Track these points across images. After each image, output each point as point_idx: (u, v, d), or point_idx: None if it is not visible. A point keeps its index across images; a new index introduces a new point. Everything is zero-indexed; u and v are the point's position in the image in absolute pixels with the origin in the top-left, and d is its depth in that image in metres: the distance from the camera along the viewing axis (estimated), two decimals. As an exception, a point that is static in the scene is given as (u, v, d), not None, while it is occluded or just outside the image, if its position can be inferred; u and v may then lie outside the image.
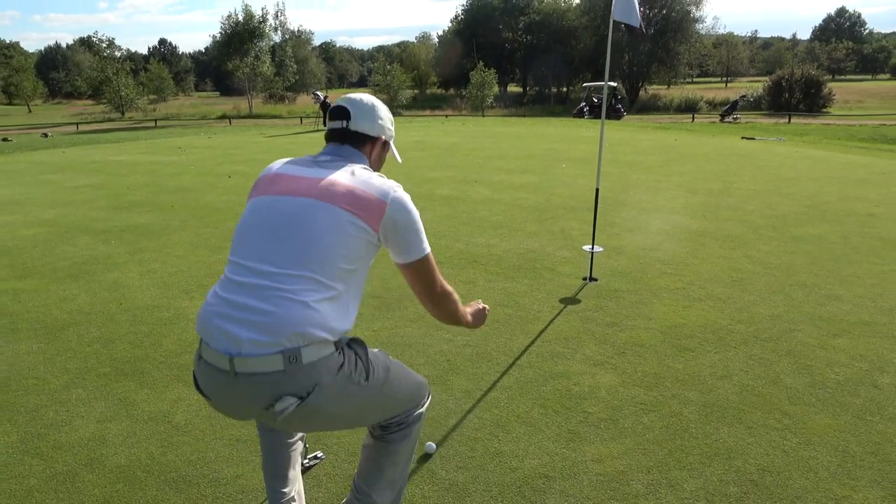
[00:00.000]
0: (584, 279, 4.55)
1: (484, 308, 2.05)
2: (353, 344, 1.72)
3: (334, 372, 1.58)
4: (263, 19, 46.86)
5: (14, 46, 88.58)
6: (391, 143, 1.97)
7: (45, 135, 27.29)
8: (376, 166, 1.91)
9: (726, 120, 28.87)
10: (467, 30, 59.91)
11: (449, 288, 1.84)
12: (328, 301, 1.57)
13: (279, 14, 49.07)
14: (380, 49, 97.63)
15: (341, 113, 1.85)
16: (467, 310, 1.98)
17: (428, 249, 1.78)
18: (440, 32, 73.76)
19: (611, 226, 6.04)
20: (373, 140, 1.88)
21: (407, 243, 1.72)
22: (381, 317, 3.92)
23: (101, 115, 46.60)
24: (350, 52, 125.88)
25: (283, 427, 1.67)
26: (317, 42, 64.68)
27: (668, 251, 5.23)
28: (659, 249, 5.28)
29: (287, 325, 1.50)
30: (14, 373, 3.27)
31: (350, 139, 1.85)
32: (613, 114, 29.62)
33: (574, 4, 59.87)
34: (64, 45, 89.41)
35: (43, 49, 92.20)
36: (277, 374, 1.49)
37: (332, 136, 1.86)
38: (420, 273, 1.77)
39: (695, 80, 67.57)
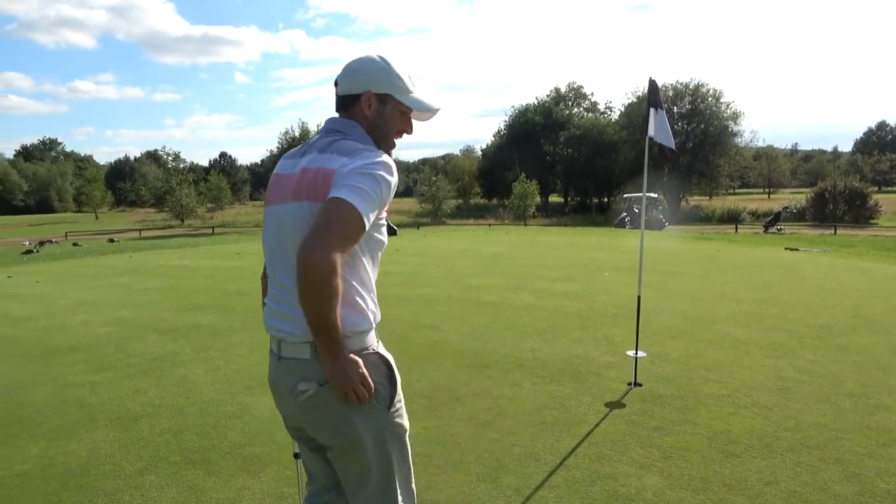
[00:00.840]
0: (629, 384, 4.65)
1: (362, 372, 1.64)
2: (391, 375, 1.76)
3: None
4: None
5: (88, 159, 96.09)
6: (399, 96, 1.77)
7: (112, 240, 29.02)
8: (380, 129, 1.77)
9: (770, 231, 28.87)
10: (510, 143, 62.53)
11: (339, 271, 1.49)
12: (356, 297, 1.66)
13: (331, 130, 52.71)
14: (425, 161, 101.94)
15: (336, 84, 1.79)
16: (347, 354, 1.61)
17: (356, 205, 1.52)
18: (483, 146, 77.12)
19: (654, 333, 6.15)
20: (360, 98, 1.75)
21: (341, 181, 1.57)
22: (430, 416, 4.08)
23: (162, 223, 49.40)
24: (396, 163, 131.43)
25: (305, 418, 1.74)
26: (366, 155, 68.23)
27: (711, 358, 5.30)
28: (703, 356, 5.36)
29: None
30: (93, 459, 3.53)
31: (340, 107, 1.79)
32: (655, 224, 29.99)
33: (613, 120, 62.28)
34: (132, 158, 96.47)
35: (113, 161, 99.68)
36: (306, 361, 1.70)
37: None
38: (325, 213, 1.52)
39: (736, 191, 68.09)
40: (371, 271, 1.76)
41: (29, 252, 21.50)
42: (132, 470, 3.38)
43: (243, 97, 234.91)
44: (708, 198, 58.94)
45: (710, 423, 3.92)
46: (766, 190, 79.96)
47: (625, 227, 29.96)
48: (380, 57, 1.77)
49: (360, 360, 1.65)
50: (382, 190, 1.60)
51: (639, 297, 4.95)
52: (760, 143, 64.74)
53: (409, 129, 1.86)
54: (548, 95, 68.60)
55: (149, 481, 3.25)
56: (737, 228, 31.69)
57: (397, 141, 1.86)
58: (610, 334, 6.18)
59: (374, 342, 1.77)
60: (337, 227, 1.50)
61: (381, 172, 1.60)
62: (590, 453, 3.50)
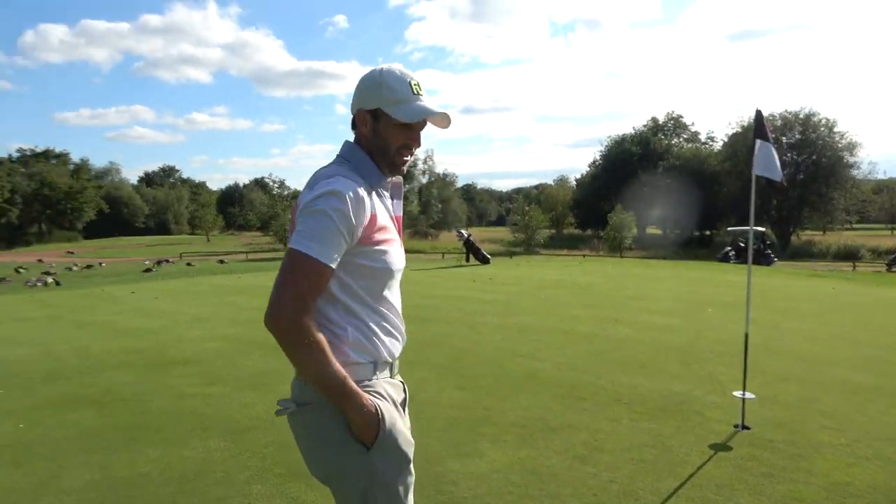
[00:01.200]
0: (736, 426, 4.42)
1: (376, 413, 1.59)
2: (383, 420, 1.61)
3: (329, 406, 1.60)
4: (413, 164, 51.57)
5: (202, 185, 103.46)
6: (388, 108, 1.64)
7: (222, 261, 30.88)
8: (377, 147, 1.68)
9: (894, 269, 26.65)
10: (605, 174, 61.52)
11: (307, 324, 1.49)
12: (325, 332, 1.59)
13: (428, 159, 54.05)
14: (518, 191, 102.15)
15: None
16: (363, 401, 1.56)
17: (306, 251, 1.48)
18: (578, 176, 76.33)
19: (762, 373, 5.82)
20: (356, 119, 1.70)
21: (296, 225, 1.57)
22: (525, 446, 4.04)
23: (266, 246, 52.01)
24: (490, 192, 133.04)
25: (295, 437, 1.73)
26: (459, 183, 69.83)
27: (828, 404, 4.94)
28: (818, 402, 5.01)
29: None
30: (206, 465, 3.75)
31: (353, 129, 1.76)
32: (763, 259, 28.34)
33: (715, 150, 59.97)
34: (241, 185, 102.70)
35: (224, 188, 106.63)
36: (295, 382, 1.71)
37: None
38: (282, 267, 1.53)
39: (854, 226, 63.43)
40: (366, 301, 1.65)
41: (148, 270, 23.30)
42: (241, 479, 3.57)
43: (343, 128, 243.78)
44: (821, 233, 55.25)
45: (827, 472, 3.65)
46: (890, 226, 73.97)
47: (729, 261, 28.54)
48: (380, 69, 1.67)
49: (376, 403, 1.60)
50: (335, 220, 1.52)
51: (746, 335, 4.71)
52: (881, 176, 60.24)
53: (413, 142, 1.71)
54: (644, 125, 67.22)
55: (256, 490, 3.41)
56: (854, 266, 29.49)
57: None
58: (714, 372, 5.91)
59: (367, 377, 1.66)
60: (292, 281, 1.50)
61: (328, 205, 1.51)
62: (693, 496, 3.35)
